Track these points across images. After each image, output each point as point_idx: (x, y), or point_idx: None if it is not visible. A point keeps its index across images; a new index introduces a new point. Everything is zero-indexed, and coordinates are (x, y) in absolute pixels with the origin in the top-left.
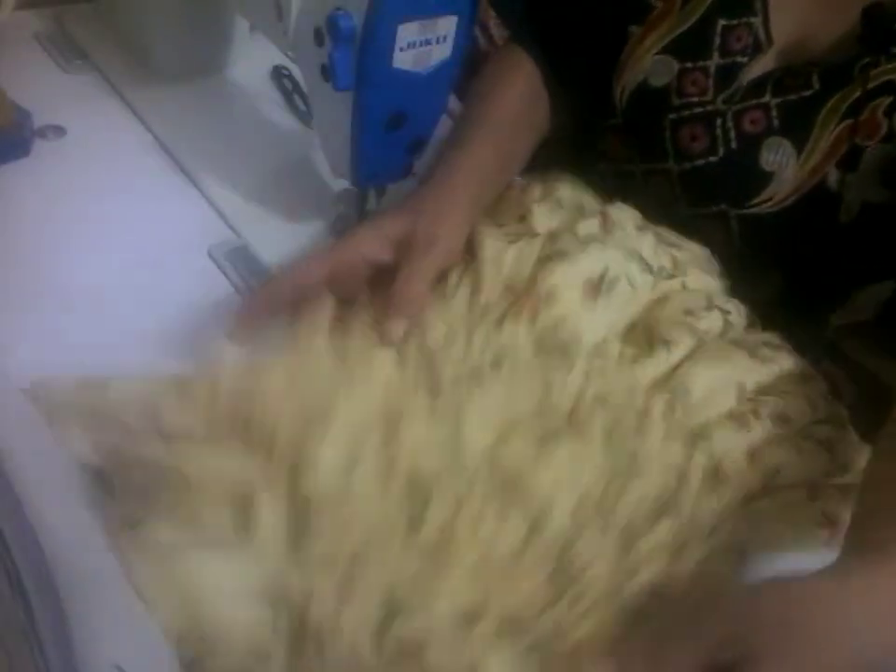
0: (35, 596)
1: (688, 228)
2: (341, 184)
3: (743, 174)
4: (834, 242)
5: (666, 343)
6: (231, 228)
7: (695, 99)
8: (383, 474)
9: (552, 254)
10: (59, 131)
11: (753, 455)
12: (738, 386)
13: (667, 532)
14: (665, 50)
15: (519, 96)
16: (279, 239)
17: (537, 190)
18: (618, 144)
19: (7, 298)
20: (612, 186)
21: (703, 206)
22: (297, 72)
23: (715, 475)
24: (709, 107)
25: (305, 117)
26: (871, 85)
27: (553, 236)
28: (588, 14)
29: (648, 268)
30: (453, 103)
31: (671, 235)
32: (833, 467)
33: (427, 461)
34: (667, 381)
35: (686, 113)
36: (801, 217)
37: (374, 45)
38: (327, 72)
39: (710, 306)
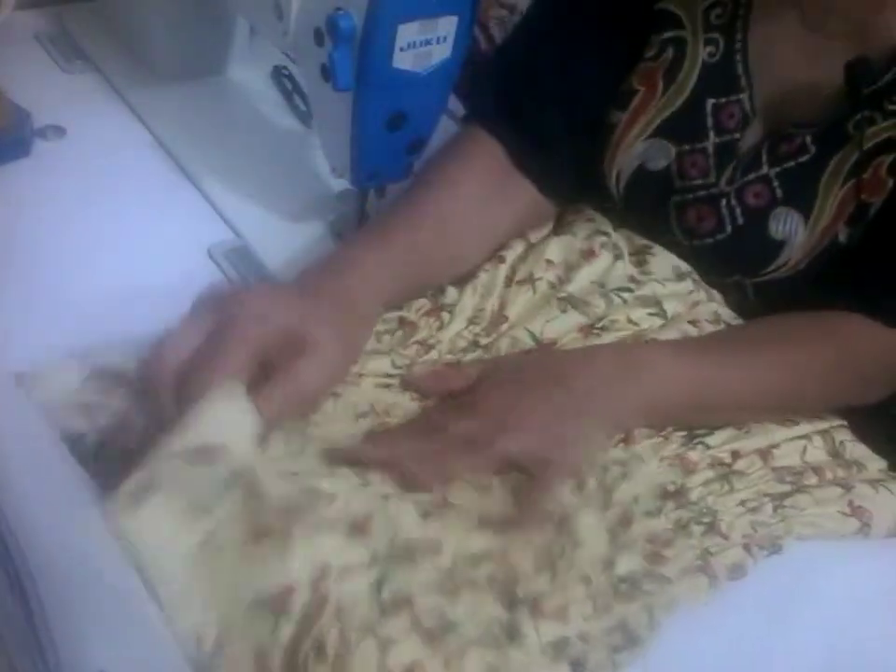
0: (35, 597)
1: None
2: (341, 184)
3: (753, 246)
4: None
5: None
6: (231, 228)
7: (699, 181)
8: None
9: (557, 298)
10: (59, 131)
11: (765, 454)
12: None
13: (673, 510)
14: (656, 133)
15: (475, 189)
16: (279, 239)
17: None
18: (617, 222)
19: (7, 297)
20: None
21: (717, 277)
22: (297, 72)
23: (725, 469)
24: (713, 190)
25: (305, 117)
26: (869, 144)
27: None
28: (570, 102)
29: (662, 314)
30: (453, 103)
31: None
32: (843, 463)
33: None
34: None
35: (690, 196)
36: (815, 275)
37: (374, 45)
38: (327, 72)
39: (717, 320)
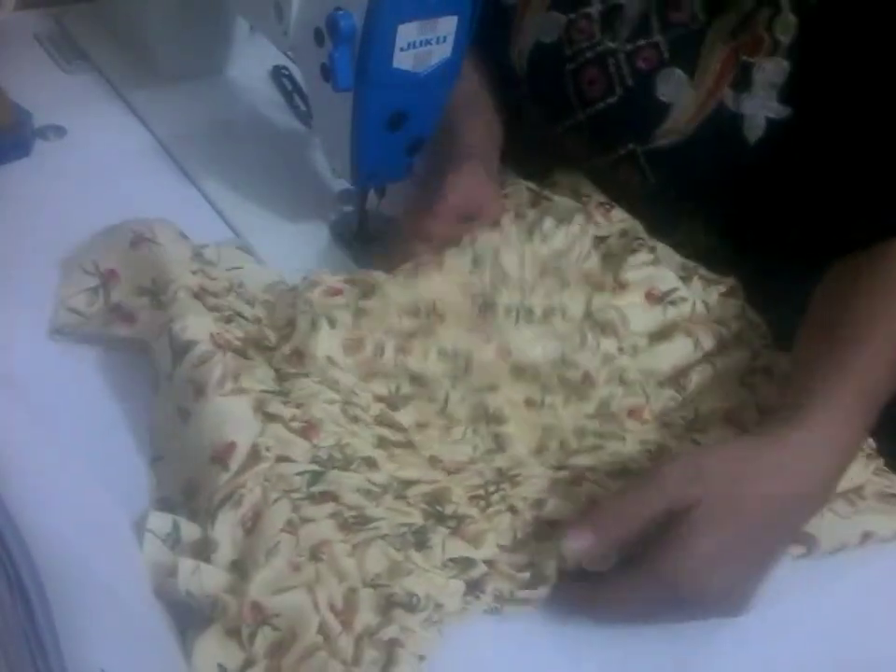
0: (36, 596)
1: (605, 178)
2: (341, 184)
3: (642, 108)
4: (745, 163)
5: (694, 341)
6: (231, 228)
7: (586, 44)
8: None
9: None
10: (59, 131)
11: None
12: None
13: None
14: (550, 8)
15: (484, 88)
16: (279, 239)
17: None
18: (529, 112)
19: (7, 297)
20: (536, 152)
21: (613, 151)
22: (297, 72)
23: None
24: (599, 48)
25: (305, 117)
26: (748, 5)
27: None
28: None
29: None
30: None
31: (708, 273)
32: None
33: (437, 366)
34: (679, 378)
35: (581, 59)
36: (707, 143)
37: (374, 45)
38: (327, 72)
39: (740, 315)
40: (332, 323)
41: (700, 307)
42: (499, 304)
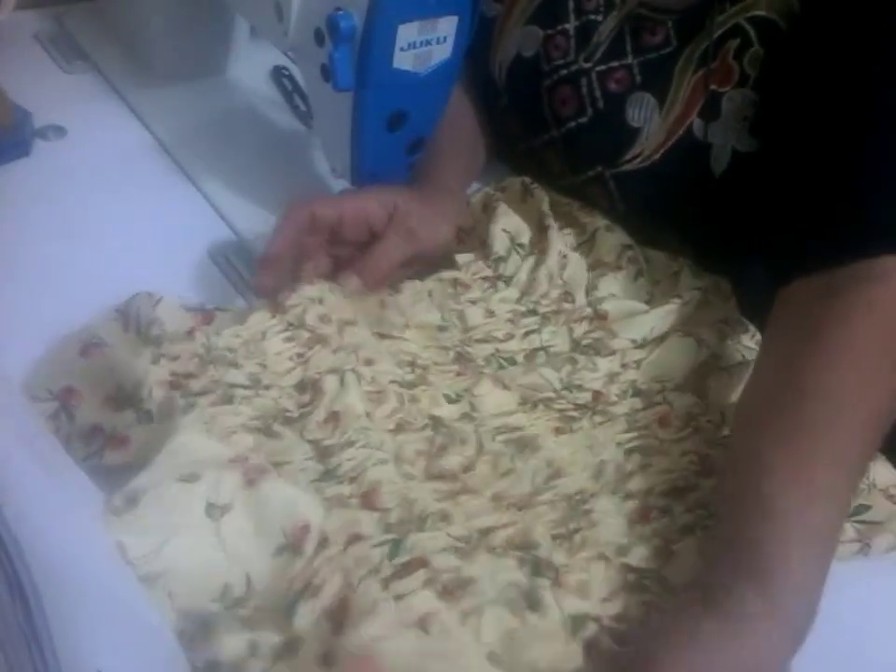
0: (33, 596)
1: (577, 197)
2: (341, 184)
3: (612, 132)
4: (711, 194)
5: (700, 341)
6: (231, 228)
7: (560, 62)
8: (406, 413)
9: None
10: (59, 131)
11: None
12: None
13: (682, 514)
14: (529, 22)
15: (466, 108)
16: None
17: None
18: (511, 123)
19: (7, 297)
20: (514, 166)
21: (582, 171)
22: (297, 72)
23: None
24: (573, 67)
25: (305, 117)
26: (718, 32)
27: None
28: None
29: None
30: None
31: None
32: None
33: (447, 411)
34: (695, 382)
35: (555, 77)
36: (674, 171)
37: (374, 45)
38: (327, 72)
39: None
40: (358, 377)
41: (689, 308)
42: (475, 356)
